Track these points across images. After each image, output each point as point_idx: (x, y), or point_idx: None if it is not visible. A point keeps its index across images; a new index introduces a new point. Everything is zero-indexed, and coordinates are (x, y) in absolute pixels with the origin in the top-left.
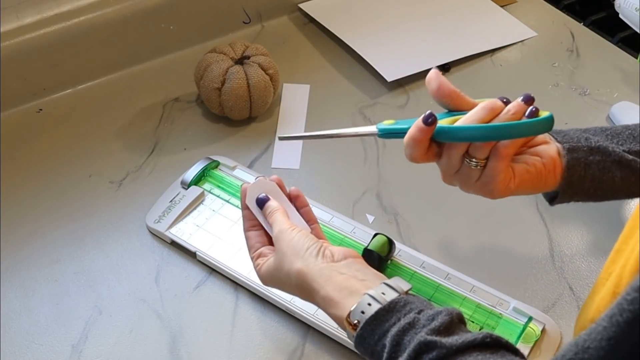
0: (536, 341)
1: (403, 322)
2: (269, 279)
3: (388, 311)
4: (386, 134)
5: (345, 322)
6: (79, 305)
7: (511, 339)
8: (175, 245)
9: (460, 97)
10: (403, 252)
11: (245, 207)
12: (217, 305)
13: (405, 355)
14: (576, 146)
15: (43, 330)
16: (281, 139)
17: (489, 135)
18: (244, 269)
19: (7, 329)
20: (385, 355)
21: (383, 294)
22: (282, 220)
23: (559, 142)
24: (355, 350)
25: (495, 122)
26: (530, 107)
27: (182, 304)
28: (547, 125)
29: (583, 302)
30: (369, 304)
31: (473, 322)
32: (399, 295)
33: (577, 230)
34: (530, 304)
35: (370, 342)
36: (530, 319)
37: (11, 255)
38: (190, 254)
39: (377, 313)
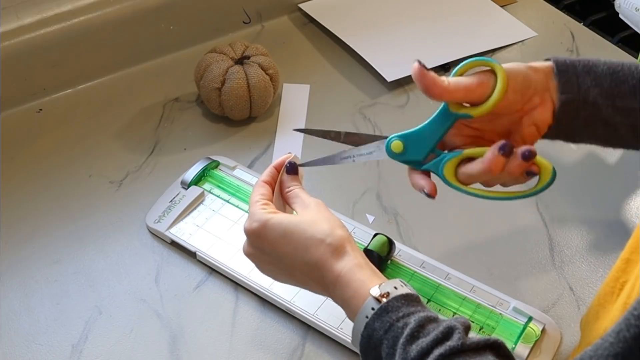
0: (536, 341)
1: (429, 313)
2: (274, 227)
3: (417, 300)
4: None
5: (370, 291)
6: (79, 305)
7: (511, 339)
8: (175, 245)
9: (450, 92)
10: (403, 252)
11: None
12: (217, 305)
13: (433, 334)
14: (572, 99)
15: (43, 330)
16: (301, 165)
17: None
18: (244, 269)
19: (7, 329)
20: (407, 331)
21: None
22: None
23: (558, 90)
24: (352, 350)
25: (497, 191)
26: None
27: (182, 304)
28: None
29: (583, 302)
30: (403, 285)
31: (473, 322)
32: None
33: (577, 230)
34: (530, 304)
35: (392, 317)
36: (530, 319)
37: (11, 255)
38: (190, 254)
39: (409, 295)
